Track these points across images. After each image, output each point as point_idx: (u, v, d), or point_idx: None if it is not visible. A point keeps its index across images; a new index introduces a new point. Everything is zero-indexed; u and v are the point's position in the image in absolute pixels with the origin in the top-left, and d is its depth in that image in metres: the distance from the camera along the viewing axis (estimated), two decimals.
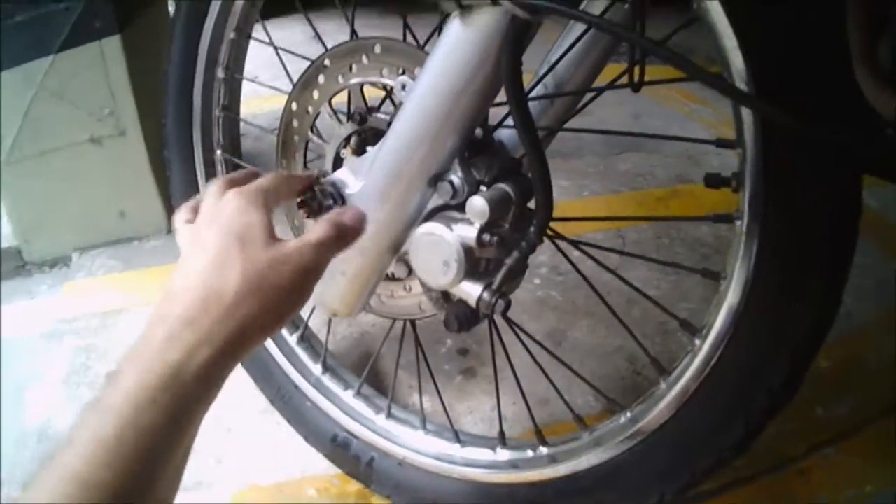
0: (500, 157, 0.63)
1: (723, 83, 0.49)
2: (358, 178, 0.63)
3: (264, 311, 0.44)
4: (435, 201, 0.61)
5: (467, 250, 0.57)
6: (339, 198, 0.64)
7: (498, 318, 0.66)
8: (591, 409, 0.97)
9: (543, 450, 0.77)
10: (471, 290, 0.59)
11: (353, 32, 0.72)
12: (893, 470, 0.92)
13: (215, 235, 0.45)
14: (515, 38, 0.50)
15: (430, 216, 0.61)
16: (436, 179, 0.59)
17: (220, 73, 0.92)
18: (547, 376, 0.78)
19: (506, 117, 0.66)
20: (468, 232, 0.57)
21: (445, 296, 0.65)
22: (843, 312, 1.09)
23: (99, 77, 1.33)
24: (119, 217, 1.45)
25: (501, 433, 0.81)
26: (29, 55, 1.29)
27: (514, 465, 0.79)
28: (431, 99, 0.56)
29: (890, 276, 1.25)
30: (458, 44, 0.53)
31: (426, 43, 0.67)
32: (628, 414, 0.71)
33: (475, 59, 0.53)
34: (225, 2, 0.85)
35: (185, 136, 0.95)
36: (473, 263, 0.58)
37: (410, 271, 0.64)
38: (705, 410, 0.65)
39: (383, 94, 0.71)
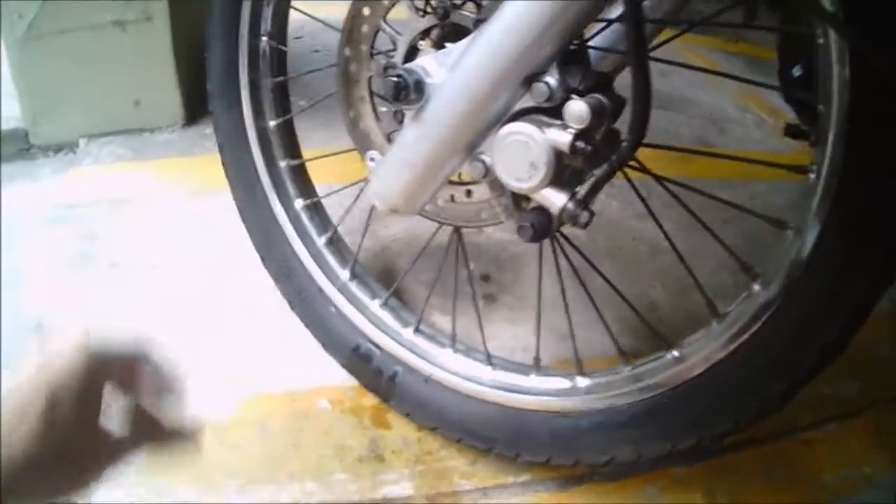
0: (591, 69, 0.64)
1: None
2: (442, 69, 0.64)
3: None
4: (524, 102, 0.61)
5: (558, 155, 0.59)
6: (418, 87, 0.64)
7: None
8: (611, 350, 1.01)
9: (580, 380, 0.80)
10: (555, 198, 0.60)
11: None
12: (892, 455, 0.97)
13: None
14: None
15: (515, 117, 0.62)
16: (530, 80, 0.60)
17: None
18: (597, 309, 0.81)
19: (596, 34, 0.67)
20: (561, 136, 0.59)
21: (516, 203, 0.66)
22: None
23: None
24: (134, 106, 1.45)
25: (537, 359, 0.84)
26: None
27: (547, 392, 0.82)
28: (540, 3, 0.56)
29: None
30: None
31: None
32: (675, 353, 0.74)
33: None
34: None
35: (232, 16, 0.94)
36: (561, 170, 0.60)
37: (485, 173, 0.65)
38: (755, 358, 0.68)
39: None
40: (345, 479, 0.88)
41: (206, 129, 1.52)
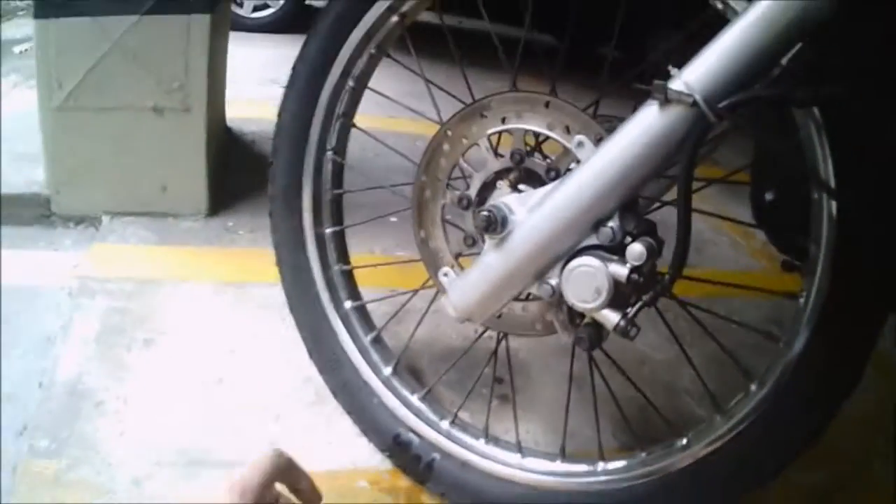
0: (641, 217, 0.82)
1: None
2: (523, 208, 0.82)
3: None
4: (589, 241, 0.79)
5: (616, 283, 0.76)
6: (503, 222, 0.81)
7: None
8: (609, 443, 1.16)
9: (601, 465, 0.96)
10: (611, 316, 0.78)
11: (514, 85, 0.90)
12: None
13: None
14: (699, 134, 0.70)
15: (580, 253, 0.80)
16: (598, 225, 0.78)
17: (351, 83, 1.07)
18: (647, 400, 0.98)
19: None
20: (621, 270, 0.76)
21: (572, 318, 0.83)
22: None
23: (178, 50, 1.46)
24: (160, 190, 1.57)
25: (563, 448, 0.99)
26: (114, 9, 1.41)
27: (571, 474, 0.97)
28: (618, 161, 0.76)
29: None
30: (652, 125, 0.73)
31: (586, 108, 0.87)
32: (684, 441, 0.91)
33: (663, 140, 0.73)
34: (382, 15, 1.00)
35: (301, 130, 1.10)
36: (618, 296, 0.77)
37: (552, 294, 0.82)
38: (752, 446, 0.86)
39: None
40: None
41: (229, 222, 1.66)
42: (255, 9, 3.76)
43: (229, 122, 2.07)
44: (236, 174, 1.83)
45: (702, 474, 0.90)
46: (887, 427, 1.39)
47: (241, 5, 3.71)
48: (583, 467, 0.98)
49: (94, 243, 1.51)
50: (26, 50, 2.70)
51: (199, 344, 1.29)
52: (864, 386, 0.81)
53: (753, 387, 0.87)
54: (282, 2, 3.75)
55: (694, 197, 0.75)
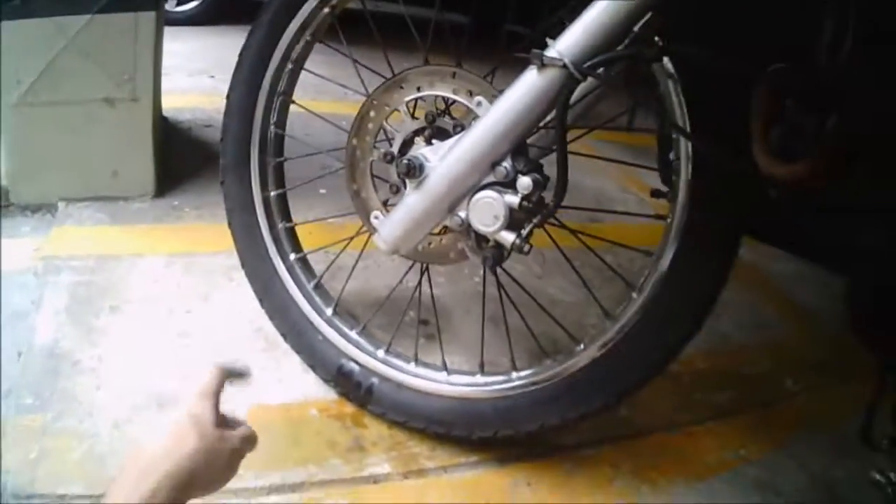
0: (530, 158, 1.05)
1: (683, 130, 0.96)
2: (435, 157, 1.03)
3: (209, 467, 0.71)
4: (489, 179, 1.01)
5: (511, 210, 0.99)
6: (421, 168, 1.03)
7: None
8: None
9: (514, 374, 1.18)
10: (508, 237, 1.00)
11: (426, 60, 1.12)
12: (763, 443, 1.42)
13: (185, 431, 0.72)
14: (570, 89, 0.93)
15: (483, 188, 1.02)
16: (494, 165, 1.00)
17: (290, 66, 1.28)
18: (554, 319, 1.20)
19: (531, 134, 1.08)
20: (513, 198, 0.99)
21: (479, 243, 1.05)
22: (722, 333, 1.69)
23: (127, 45, 1.63)
24: (112, 176, 1.72)
25: (482, 364, 1.21)
26: (68, 9, 1.56)
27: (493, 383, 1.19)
28: (506, 115, 0.98)
29: (766, 316, 1.83)
30: (532, 85, 0.96)
31: (486, 76, 1.09)
32: (581, 346, 1.14)
33: (542, 96, 0.95)
34: (315, 7, 1.21)
35: (247, 108, 1.29)
36: (512, 219, 0.99)
37: (461, 223, 1.03)
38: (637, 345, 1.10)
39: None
40: (338, 463, 1.19)
41: (175, 202, 1.84)
42: (179, 2, 3.87)
43: (165, 112, 2.23)
44: (177, 159, 2.01)
45: (597, 371, 1.13)
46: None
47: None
48: (499, 377, 1.20)
49: (54, 227, 1.65)
50: None
51: (159, 307, 1.46)
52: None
53: (634, 294, 1.11)
54: None
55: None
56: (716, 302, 1.07)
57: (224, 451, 0.74)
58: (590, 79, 0.94)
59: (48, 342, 1.33)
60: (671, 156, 1.07)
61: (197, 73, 2.77)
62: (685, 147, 1.03)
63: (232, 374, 0.87)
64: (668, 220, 1.07)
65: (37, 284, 1.47)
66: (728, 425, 1.46)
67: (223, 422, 0.78)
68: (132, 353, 1.33)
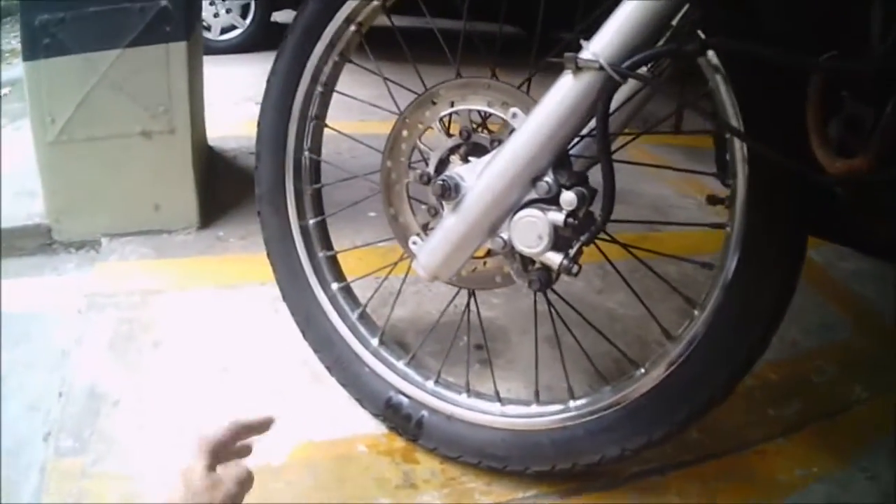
0: (573, 171, 1.01)
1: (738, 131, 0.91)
2: (471, 175, 1.00)
3: None
4: (530, 196, 0.97)
5: (555, 228, 0.94)
6: (456, 189, 1.00)
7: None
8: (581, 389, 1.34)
9: (571, 402, 1.13)
10: (554, 258, 0.96)
11: (458, 73, 1.09)
12: (833, 458, 1.34)
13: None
14: (609, 93, 0.89)
15: (524, 206, 0.98)
16: (535, 180, 0.96)
17: (320, 89, 1.27)
18: (611, 342, 1.16)
19: (576, 143, 1.04)
20: (557, 216, 0.94)
21: (524, 266, 1.01)
22: (790, 341, 1.61)
23: (160, 77, 1.66)
24: (153, 209, 1.76)
25: (536, 392, 1.17)
26: (98, 45, 1.61)
27: (546, 414, 1.15)
28: (543, 126, 0.94)
29: (831, 317, 1.73)
30: (568, 91, 0.92)
31: (520, 86, 1.05)
32: (642, 370, 1.08)
33: (580, 102, 0.91)
34: (340, 26, 1.20)
35: (279, 135, 1.29)
36: (558, 239, 0.95)
37: (504, 246, 1.00)
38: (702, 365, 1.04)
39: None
40: (386, 502, 1.16)
41: (220, 232, 1.86)
42: (223, 31, 4.05)
43: (211, 142, 2.27)
44: (222, 188, 2.04)
45: (659, 398, 1.07)
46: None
47: (209, 29, 3.99)
48: (556, 407, 1.16)
49: (98, 263, 1.69)
50: (8, 93, 2.91)
51: (203, 341, 1.47)
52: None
53: (696, 311, 1.05)
54: (247, 23, 4.06)
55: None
56: (784, 313, 1.00)
57: (216, 497, 0.77)
58: (631, 80, 0.90)
59: (89, 381, 1.35)
60: (727, 156, 1.02)
61: (242, 100, 2.85)
62: (740, 147, 0.97)
63: (250, 428, 0.89)
64: (728, 228, 1.01)
65: (80, 323, 1.51)
66: (799, 439, 1.40)
67: (218, 466, 0.81)
68: (174, 389, 1.34)
